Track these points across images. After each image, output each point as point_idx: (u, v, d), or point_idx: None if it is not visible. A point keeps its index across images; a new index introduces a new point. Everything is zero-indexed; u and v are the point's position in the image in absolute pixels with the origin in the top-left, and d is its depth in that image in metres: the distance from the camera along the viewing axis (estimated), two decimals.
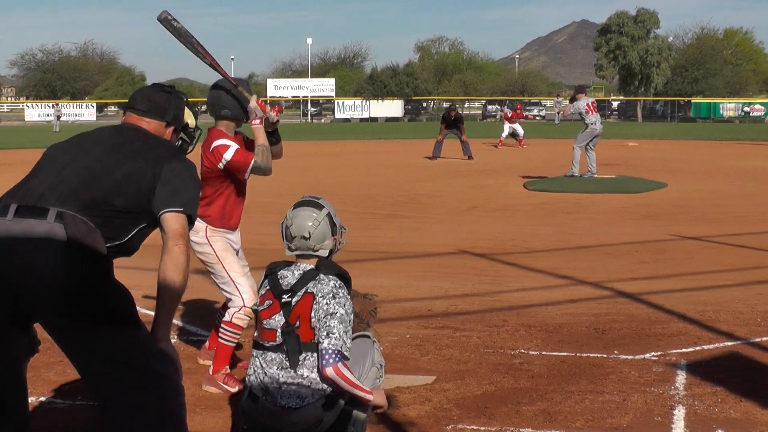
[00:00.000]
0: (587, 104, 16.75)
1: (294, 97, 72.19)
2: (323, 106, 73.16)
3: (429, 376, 4.90)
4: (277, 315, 3.64)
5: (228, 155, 4.89)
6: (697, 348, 5.47)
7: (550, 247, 9.79)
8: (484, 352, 5.41)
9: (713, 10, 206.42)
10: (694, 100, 64.17)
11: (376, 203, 14.17)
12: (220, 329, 4.86)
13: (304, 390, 3.55)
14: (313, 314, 3.59)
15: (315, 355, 3.56)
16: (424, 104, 72.57)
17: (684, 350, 5.41)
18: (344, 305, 3.61)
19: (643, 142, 31.39)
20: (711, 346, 5.50)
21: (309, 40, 78.23)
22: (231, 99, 4.99)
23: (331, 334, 3.53)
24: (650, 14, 69.33)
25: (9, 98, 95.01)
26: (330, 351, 3.50)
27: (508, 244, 9.91)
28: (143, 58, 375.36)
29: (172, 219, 3.09)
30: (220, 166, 4.88)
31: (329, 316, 3.55)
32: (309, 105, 70.60)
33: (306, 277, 3.66)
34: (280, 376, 3.58)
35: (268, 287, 3.73)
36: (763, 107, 61.31)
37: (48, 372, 4.96)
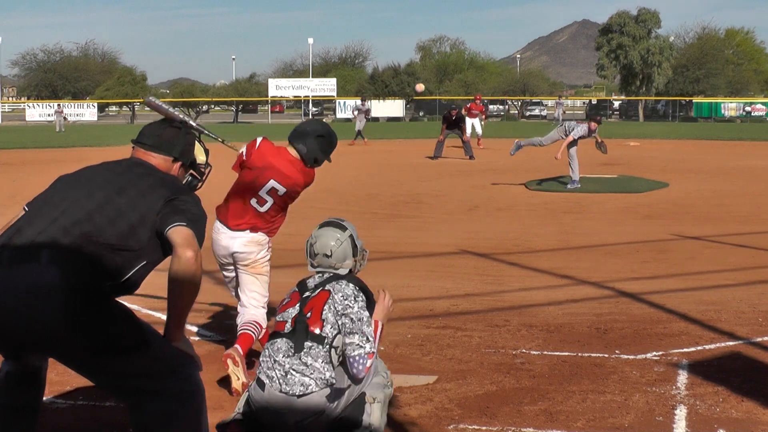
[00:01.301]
0: (587, 129, 15.68)
1: (295, 96, 72.17)
2: (324, 106, 73.16)
3: (430, 376, 4.90)
4: (292, 308, 3.89)
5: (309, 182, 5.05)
6: (699, 348, 5.47)
7: (552, 246, 9.79)
8: (486, 351, 5.41)
9: (714, 10, 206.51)
10: (695, 99, 64.13)
11: (377, 203, 14.17)
12: (246, 324, 5.00)
13: (307, 379, 3.70)
14: (326, 308, 3.81)
15: (321, 347, 3.74)
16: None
17: (685, 350, 5.41)
18: (365, 309, 3.86)
19: (645, 142, 31.38)
20: (712, 346, 5.50)
21: (310, 40, 78.21)
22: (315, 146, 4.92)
23: (365, 337, 3.78)
24: (651, 14, 69.28)
25: (10, 98, 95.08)
26: (366, 352, 3.76)
27: (509, 244, 9.91)
28: (144, 58, 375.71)
29: (181, 230, 3.07)
30: (300, 190, 5.01)
31: (360, 321, 3.80)
32: (310, 105, 70.58)
33: (328, 280, 3.94)
34: (286, 363, 3.74)
35: (294, 290, 4.00)
36: (764, 107, 61.28)
37: (50, 373, 4.95)
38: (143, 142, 3.43)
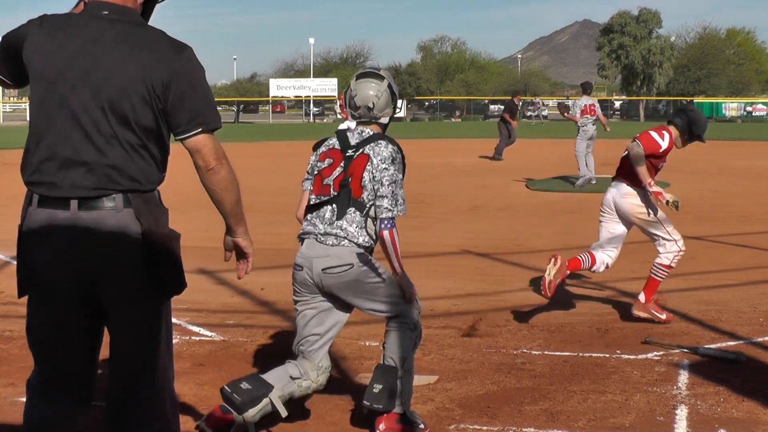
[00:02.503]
0: (585, 105, 16.11)
1: (296, 96, 72.21)
2: (325, 106, 73.20)
3: (431, 376, 4.90)
4: (336, 171, 3.97)
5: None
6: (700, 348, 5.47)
7: (553, 246, 9.78)
8: (487, 351, 5.41)
9: (716, 10, 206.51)
10: (696, 99, 64.12)
11: None
12: (654, 268, 6.25)
13: (344, 241, 3.89)
14: (365, 174, 3.92)
15: (358, 212, 3.91)
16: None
17: (686, 350, 5.41)
18: (402, 172, 4.01)
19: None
20: (713, 346, 5.50)
21: (311, 40, 78.29)
22: None
23: (396, 202, 3.95)
24: (652, 14, 69.36)
25: (11, 98, 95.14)
26: (393, 215, 3.94)
27: (510, 244, 9.91)
28: None
29: (199, 139, 2.79)
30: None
31: (394, 184, 3.94)
32: (311, 105, 70.61)
33: (368, 140, 3.99)
34: (325, 228, 3.91)
35: (332, 146, 4.05)
36: (765, 107, 61.31)
37: None
38: None
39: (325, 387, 4.08)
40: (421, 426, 4.03)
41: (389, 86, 4.06)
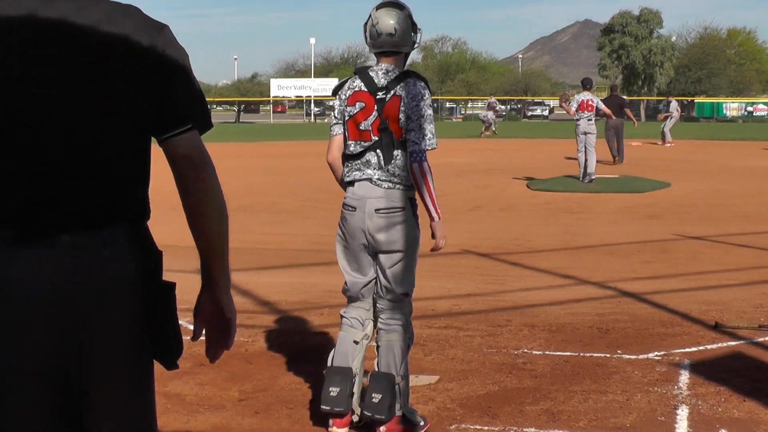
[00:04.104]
0: (582, 100, 16.30)
1: (297, 96, 72.28)
2: (326, 105, 73.18)
3: (432, 376, 4.90)
4: (371, 115, 3.97)
5: None
6: (701, 348, 5.46)
7: (554, 246, 9.79)
8: (488, 351, 5.41)
9: (716, 10, 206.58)
10: (697, 99, 64.15)
11: None
12: None
13: (396, 184, 3.93)
14: (401, 115, 3.93)
15: (402, 152, 3.94)
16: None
17: (687, 350, 5.41)
18: (431, 107, 4.02)
19: (646, 142, 31.36)
20: (714, 346, 5.49)
21: (312, 40, 78.42)
22: None
23: (424, 135, 3.92)
24: (653, 14, 69.37)
25: None
26: (421, 149, 3.91)
27: (511, 244, 9.91)
28: None
29: (189, 139, 2.08)
30: None
31: (421, 118, 3.92)
32: (312, 105, 70.63)
33: (397, 79, 3.98)
34: (375, 174, 3.95)
35: (357, 88, 4.03)
36: (766, 107, 61.28)
37: None
38: None
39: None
40: (422, 423, 4.05)
41: (409, 15, 4.07)
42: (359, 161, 4.00)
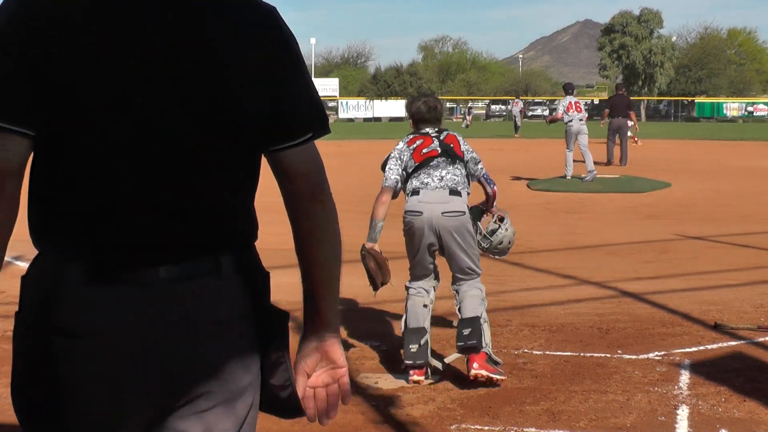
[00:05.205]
0: (569, 102, 16.73)
1: None
2: (326, 106, 73.24)
3: (433, 376, 4.90)
4: (433, 143, 4.89)
5: None
6: (701, 348, 5.47)
7: (554, 246, 9.79)
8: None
9: (717, 10, 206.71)
10: (697, 99, 64.14)
11: None
12: None
13: (459, 180, 4.87)
14: (461, 143, 4.98)
15: (463, 168, 4.91)
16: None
17: (687, 350, 5.41)
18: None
19: (647, 142, 31.35)
20: (715, 346, 5.50)
21: (312, 40, 78.23)
22: None
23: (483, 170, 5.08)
24: (654, 14, 69.37)
25: None
26: (490, 178, 5.16)
27: None
28: None
29: (309, 151, 1.71)
30: None
31: (477, 161, 5.06)
32: None
33: (443, 129, 5.03)
34: (443, 171, 4.85)
35: (411, 136, 4.99)
36: (766, 107, 61.26)
37: None
38: None
39: None
40: (501, 364, 4.76)
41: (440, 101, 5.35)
42: (422, 171, 4.96)
